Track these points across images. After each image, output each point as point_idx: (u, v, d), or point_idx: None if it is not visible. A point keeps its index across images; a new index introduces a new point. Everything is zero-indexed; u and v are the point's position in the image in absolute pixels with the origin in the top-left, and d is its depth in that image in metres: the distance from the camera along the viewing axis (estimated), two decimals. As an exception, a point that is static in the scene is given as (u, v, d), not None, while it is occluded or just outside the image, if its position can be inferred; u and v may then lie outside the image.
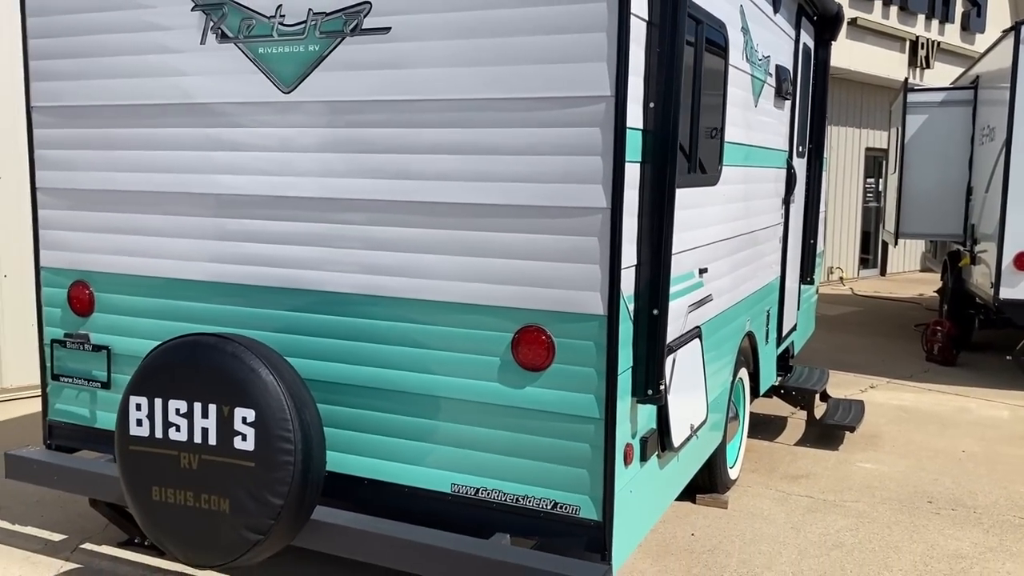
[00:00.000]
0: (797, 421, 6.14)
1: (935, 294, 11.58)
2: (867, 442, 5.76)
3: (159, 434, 2.97)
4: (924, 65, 15.43)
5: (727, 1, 3.76)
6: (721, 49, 3.66)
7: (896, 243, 9.43)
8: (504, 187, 2.88)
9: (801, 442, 5.74)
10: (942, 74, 15.67)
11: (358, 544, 3.03)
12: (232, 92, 3.29)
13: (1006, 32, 7.48)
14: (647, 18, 2.81)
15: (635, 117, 2.78)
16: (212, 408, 2.88)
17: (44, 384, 3.92)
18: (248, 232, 3.32)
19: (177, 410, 2.93)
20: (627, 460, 2.95)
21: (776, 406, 6.14)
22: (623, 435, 2.89)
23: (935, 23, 15.80)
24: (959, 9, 16.34)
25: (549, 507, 2.93)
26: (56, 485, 3.73)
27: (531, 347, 2.88)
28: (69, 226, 3.75)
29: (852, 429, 5.59)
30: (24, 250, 4.64)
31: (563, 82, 2.74)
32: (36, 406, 5.77)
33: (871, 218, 16.63)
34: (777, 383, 5.67)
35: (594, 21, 2.68)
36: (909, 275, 17.64)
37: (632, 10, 2.67)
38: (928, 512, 4.57)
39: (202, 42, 3.32)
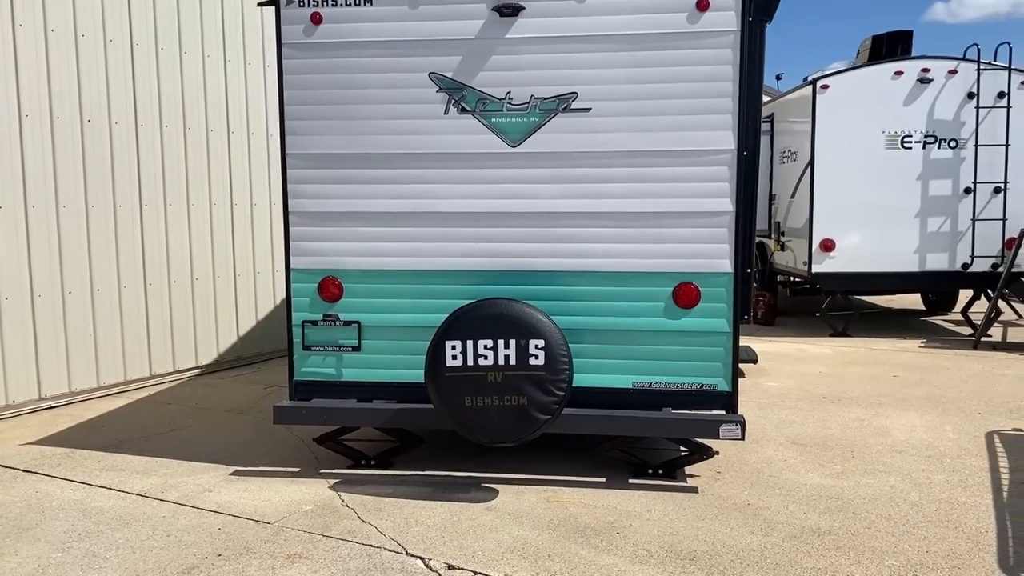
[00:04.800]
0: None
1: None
2: (759, 372, 8.34)
3: (471, 362, 4.69)
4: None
5: None
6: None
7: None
8: (665, 201, 4.93)
9: (719, 376, 8.19)
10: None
11: (582, 423, 4.93)
12: (469, 146, 5.05)
13: (804, 83, 10.53)
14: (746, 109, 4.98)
15: (741, 160, 4.95)
16: (512, 342, 4.67)
17: (291, 354, 5.37)
18: (481, 236, 5.09)
19: (485, 345, 4.68)
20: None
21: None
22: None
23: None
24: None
25: (698, 387, 5.02)
26: (325, 422, 5.27)
27: (686, 294, 4.96)
28: (317, 238, 5.27)
29: (755, 361, 8.12)
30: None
31: (707, 141, 4.85)
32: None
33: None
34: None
35: (727, 116, 4.82)
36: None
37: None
38: (827, 403, 7.15)
39: (445, 112, 5.05)
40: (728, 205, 4.90)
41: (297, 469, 5.46)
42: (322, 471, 5.40)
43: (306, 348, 5.33)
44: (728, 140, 4.86)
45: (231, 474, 5.38)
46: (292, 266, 5.32)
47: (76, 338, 7.35)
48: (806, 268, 10.35)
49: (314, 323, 5.30)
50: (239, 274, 8.87)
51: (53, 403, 7.17)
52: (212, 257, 8.57)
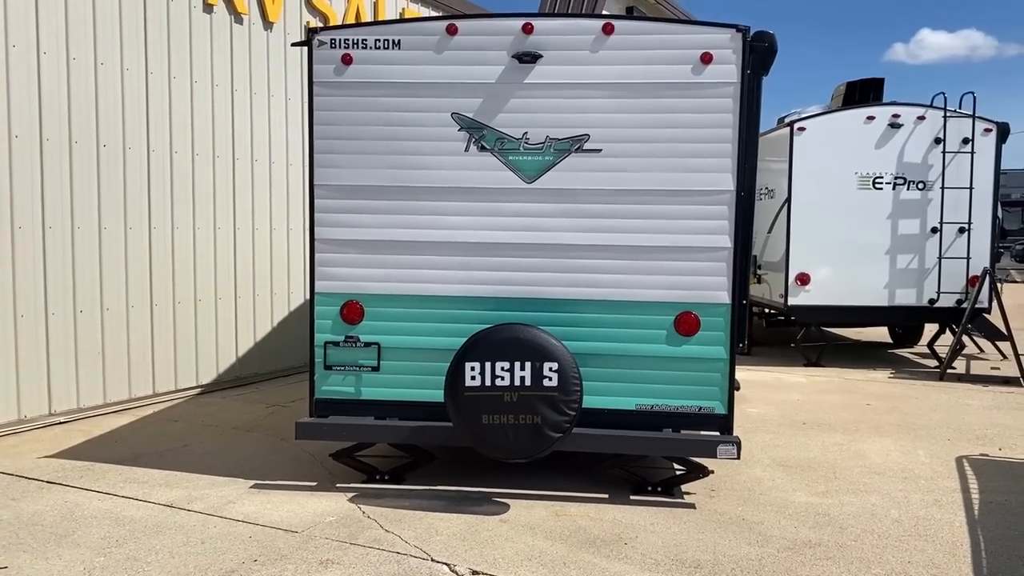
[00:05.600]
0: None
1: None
2: (741, 399, 8.73)
3: (488, 383, 5.03)
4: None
5: None
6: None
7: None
8: (669, 236, 5.33)
9: (703, 402, 8.60)
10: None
11: (589, 442, 5.28)
12: (487, 181, 5.41)
13: (781, 125, 11.07)
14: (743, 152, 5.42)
15: (740, 200, 5.37)
16: (528, 364, 5.01)
17: (312, 373, 5.65)
18: (497, 264, 5.45)
19: (502, 367, 5.02)
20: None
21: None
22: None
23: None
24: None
25: (697, 410, 5.39)
26: (345, 438, 5.58)
27: (686, 323, 5.35)
28: (341, 264, 5.58)
29: (738, 389, 8.48)
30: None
31: (710, 182, 5.27)
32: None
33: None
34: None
35: (727, 159, 5.24)
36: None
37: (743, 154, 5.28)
38: (807, 428, 7.57)
39: (466, 150, 5.42)
40: (727, 241, 5.32)
41: (314, 483, 5.73)
42: (338, 485, 5.67)
43: (327, 368, 5.62)
44: (728, 181, 5.28)
45: (251, 487, 5.63)
46: (316, 290, 5.61)
47: (85, 356, 7.56)
48: (782, 301, 10.83)
49: (336, 344, 5.60)
50: (239, 296, 9.12)
51: (62, 419, 7.36)
52: (215, 279, 8.82)
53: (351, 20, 10.30)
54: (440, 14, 11.51)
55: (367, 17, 10.57)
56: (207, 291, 8.73)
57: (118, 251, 7.80)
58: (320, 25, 9.85)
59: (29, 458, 6.27)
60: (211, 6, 8.60)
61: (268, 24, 9.27)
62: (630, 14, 18.34)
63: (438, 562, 4.45)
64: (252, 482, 5.74)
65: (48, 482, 5.72)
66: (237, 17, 8.90)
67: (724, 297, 5.34)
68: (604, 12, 16.91)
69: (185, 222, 8.46)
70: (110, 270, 7.73)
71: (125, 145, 7.82)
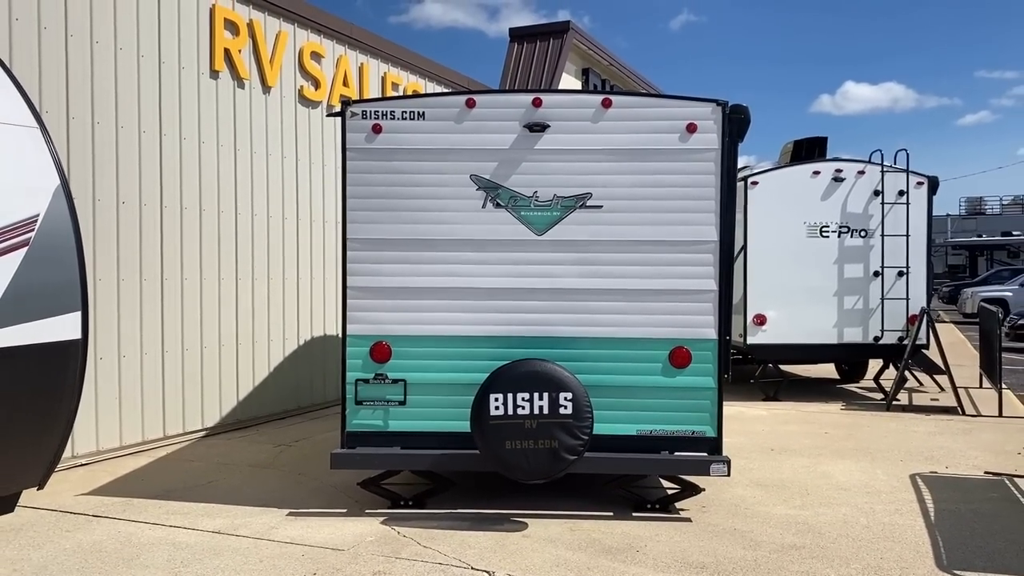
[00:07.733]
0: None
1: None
2: (712, 430, 9.50)
3: (511, 412, 5.69)
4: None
5: None
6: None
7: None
8: (662, 281, 6.10)
9: (678, 433, 9.33)
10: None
11: (599, 464, 5.96)
12: (502, 234, 6.13)
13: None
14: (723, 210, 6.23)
15: (722, 249, 6.17)
16: (545, 395, 5.69)
17: (344, 408, 6.24)
18: (511, 307, 6.14)
19: (523, 398, 5.69)
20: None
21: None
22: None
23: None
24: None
25: (690, 433, 6.11)
26: (376, 467, 6.16)
27: (680, 357, 6.10)
28: (370, 308, 6.21)
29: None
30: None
31: (697, 234, 6.07)
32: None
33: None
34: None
35: (711, 214, 6.06)
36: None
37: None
38: (775, 454, 8.35)
39: (483, 207, 6.14)
40: (713, 285, 6.11)
41: (344, 510, 6.27)
42: (367, 511, 6.23)
43: (358, 403, 6.21)
44: (712, 233, 6.09)
45: (287, 515, 6.15)
46: (348, 332, 6.22)
47: (105, 400, 7.98)
48: (742, 340, 11.70)
49: (366, 381, 6.20)
50: (240, 343, 9.62)
51: (84, 460, 7.75)
52: (219, 327, 9.32)
53: (339, 84, 11.02)
54: (418, 77, 12.34)
55: (354, 80, 11.31)
56: (212, 338, 9.22)
57: (134, 301, 8.28)
58: (313, 88, 10.57)
59: (67, 496, 6.68)
60: (217, 72, 9.24)
61: (267, 88, 9.93)
62: (585, 75, 19.47)
63: (478, 570, 5.05)
64: (286, 511, 6.25)
65: (94, 516, 6.15)
66: (240, 82, 9.55)
67: (711, 333, 6.11)
68: (564, 76, 17.94)
69: (193, 273, 8.97)
70: (127, 319, 8.20)
71: (141, 202, 8.35)
